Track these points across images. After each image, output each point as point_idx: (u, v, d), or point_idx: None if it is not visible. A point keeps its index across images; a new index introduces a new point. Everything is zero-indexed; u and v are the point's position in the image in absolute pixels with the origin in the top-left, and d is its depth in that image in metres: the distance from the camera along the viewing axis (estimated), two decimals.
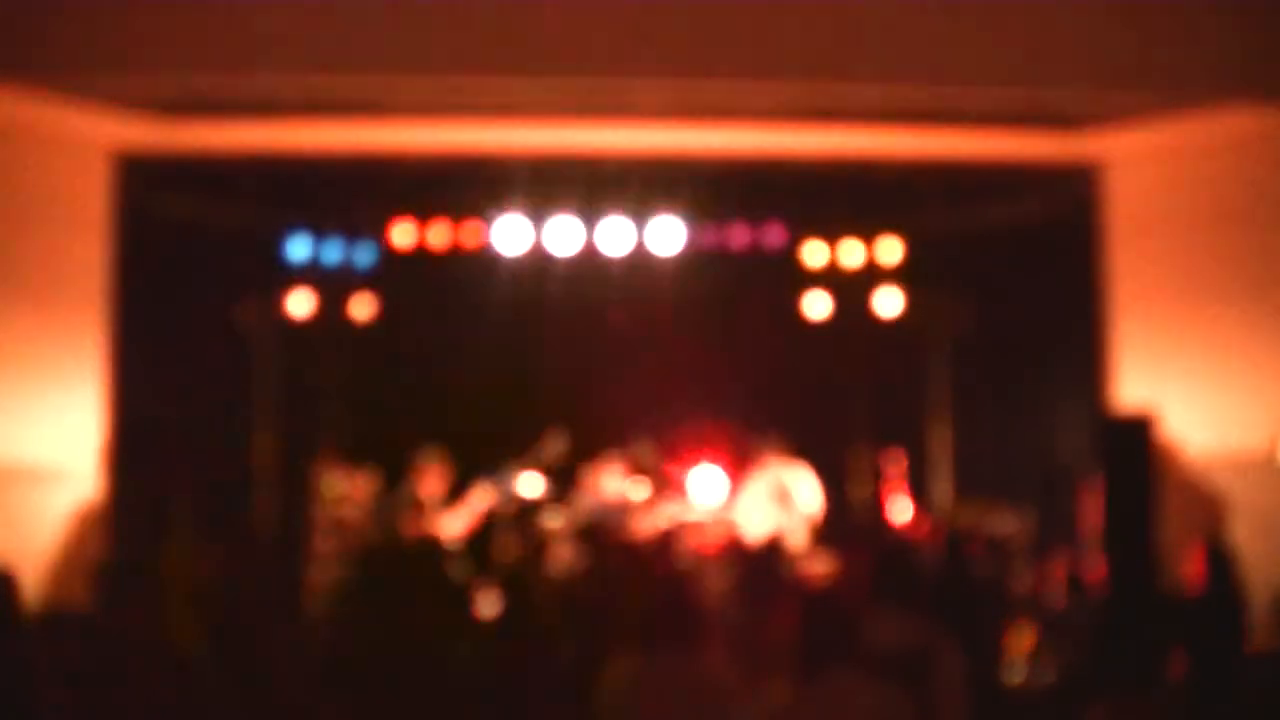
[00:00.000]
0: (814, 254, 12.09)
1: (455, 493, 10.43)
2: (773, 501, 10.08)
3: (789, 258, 12.03)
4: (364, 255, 11.64)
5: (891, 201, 12.04)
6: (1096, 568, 8.20)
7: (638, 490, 10.48)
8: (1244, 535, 8.93)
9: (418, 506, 9.94)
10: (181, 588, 4.43)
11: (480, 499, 10.44)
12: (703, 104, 9.94)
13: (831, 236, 12.07)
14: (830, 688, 3.62)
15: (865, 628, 3.76)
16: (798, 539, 10.10)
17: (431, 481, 10.11)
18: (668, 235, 11.77)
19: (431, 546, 9.34)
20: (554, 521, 10.63)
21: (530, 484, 10.72)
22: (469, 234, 11.57)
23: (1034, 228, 11.80)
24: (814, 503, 10.10)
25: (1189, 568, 6.81)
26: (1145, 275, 10.63)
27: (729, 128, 10.22)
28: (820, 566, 9.80)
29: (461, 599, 6.94)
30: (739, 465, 11.24)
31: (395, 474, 10.93)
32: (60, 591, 8.12)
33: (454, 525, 9.96)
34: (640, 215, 11.71)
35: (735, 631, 5.54)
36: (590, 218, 11.62)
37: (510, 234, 11.58)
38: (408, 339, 12.05)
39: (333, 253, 11.51)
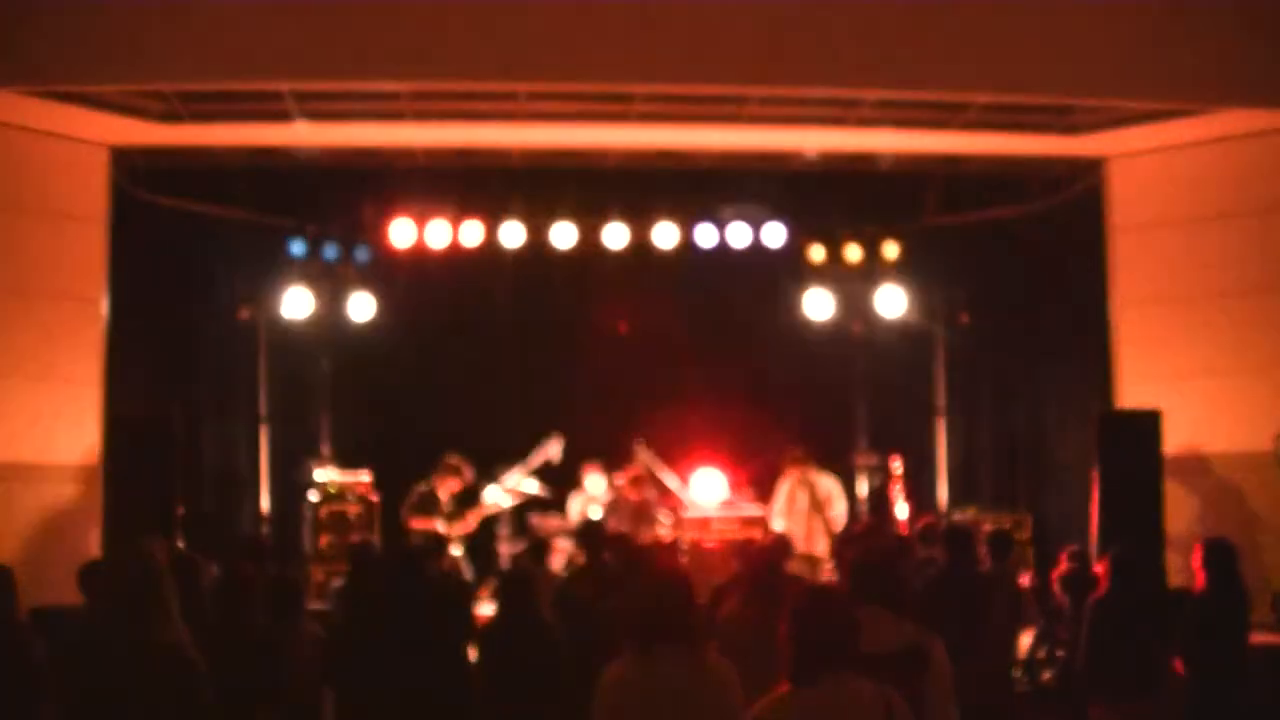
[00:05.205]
0: (815, 253, 12.09)
1: (466, 493, 10.46)
2: (802, 509, 10.15)
3: (790, 257, 12.03)
4: (362, 254, 11.64)
5: (893, 200, 12.05)
6: (1097, 566, 8.20)
7: (636, 491, 10.48)
8: (1245, 533, 8.93)
9: (434, 506, 9.99)
10: (179, 587, 4.41)
11: (490, 500, 10.45)
12: (702, 104, 9.95)
13: (833, 235, 12.06)
14: (828, 689, 3.62)
15: (861, 628, 3.76)
16: (823, 545, 10.13)
17: (451, 483, 10.16)
18: (668, 235, 11.77)
19: (436, 545, 9.35)
20: (554, 521, 10.63)
21: (530, 484, 10.71)
22: (468, 234, 11.56)
23: (1036, 226, 11.80)
24: (841, 510, 10.19)
25: (1190, 566, 6.80)
26: (1147, 274, 10.64)
27: (729, 128, 10.22)
28: (830, 569, 9.81)
29: (462, 598, 6.94)
30: (741, 467, 11.24)
31: (394, 473, 10.93)
32: (57, 589, 8.11)
33: (461, 525, 10.00)
34: (640, 215, 11.71)
35: (735, 631, 5.53)
36: (590, 218, 11.62)
37: (510, 234, 11.57)
38: (406, 338, 12.04)
39: (331, 252, 11.51)
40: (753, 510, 10.63)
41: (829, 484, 10.43)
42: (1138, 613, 6.01)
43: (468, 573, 10.03)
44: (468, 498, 10.44)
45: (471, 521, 10.24)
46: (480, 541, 10.59)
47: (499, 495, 10.56)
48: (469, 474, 10.35)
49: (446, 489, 10.19)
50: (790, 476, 10.57)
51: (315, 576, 10.31)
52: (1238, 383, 10.14)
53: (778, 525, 10.14)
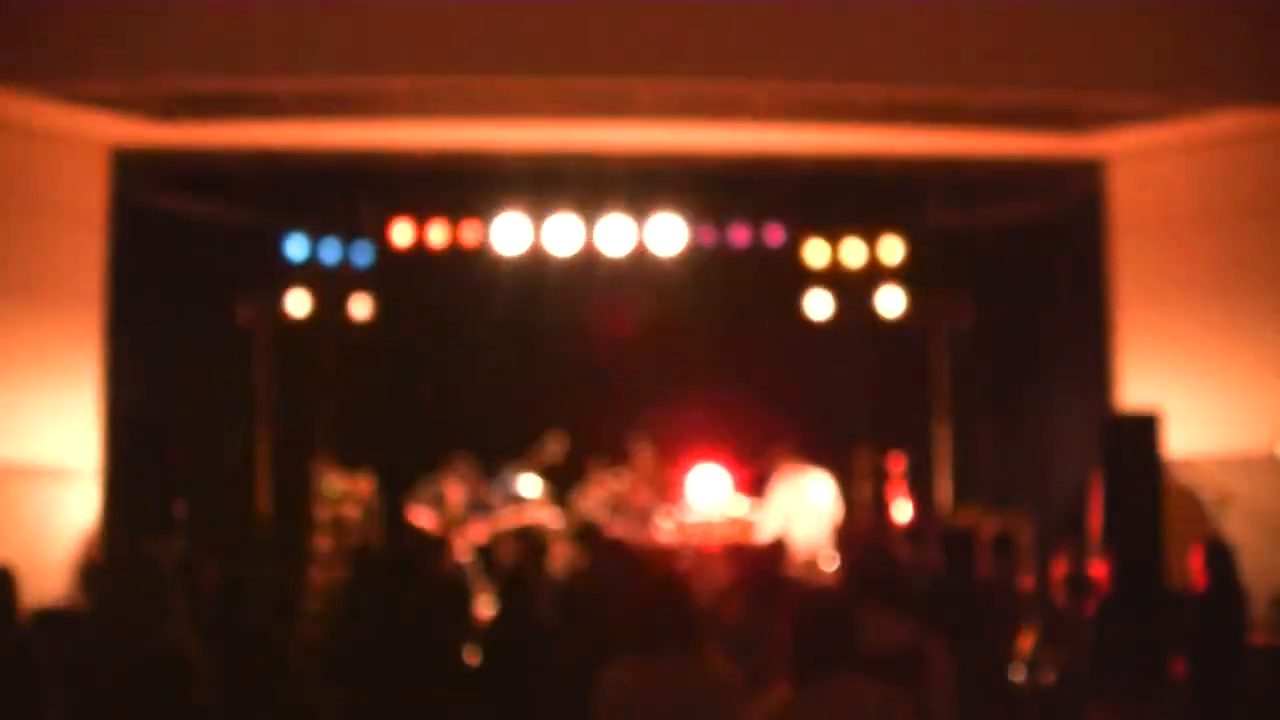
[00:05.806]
0: (815, 253, 12.08)
1: (479, 504, 10.50)
2: (796, 507, 10.13)
3: (790, 257, 12.03)
4: (362, 255, 11.63)
5: (893, 200, 12.04)
6: (1098, 567, 8.19)
7: (637, 492, 10.48)
8: (1245, 534, 8.92)
9: (441, 504, 10.04)
10: (179, 587, 4.42)
11: (504, 514, 10.47)
12: (703, 103, 9.94)
13: (833, 235, 12.06)
14: (828, 690, 3.62)
15: (861, 629, 3.76)
16: (820, 544, 10.12)
17: (459, 486, 10.20)
18: (668, 235, 11.75)
19: (435, 547, 9.36)
20: (554, 522, 10.63)
21: (530, 484, 10.71)
22: (468, 234, 11.55)
23: (1037, 226, 11.78)
24: (835, 508, 10.17)
25: (1190, 567, 6.80)
26: (1148, 274, 10.63)
27: (729, 127, 10.20)
28: (829, 569, 9.80)
29: (462, 599, 6.94)
30: (742, 468, 11.23)
31: (395, 475, 10.93)
32: (58, 590, 8.11)
33: (471, 532, 10.04)
34: (640, 215, 11.70)
35: (735, 632, 5.53)
36: (590, 218, 11.61)
37: (509, 234, 11.56)
38: (406, 338, 12.04)
39: (331, 252, 11.51)
40: (753, 512, 10.62)
41: (823, 482, 10.40)
42: (1139, 614, 6.01)
43: (477, 579, 9.99)
44: (480, 507, 10.47)
45: (481, 533, 10.25)
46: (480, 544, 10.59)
47: (512, 510, 10.55)
48: (474, 479, 10.38)
49: (454, 491, 10.20)
50: (783, 475, 10.51)
51: (315, 578, 10.30)
52: (1238, 383, 10.13)
53: (774, 526, 10.11)
